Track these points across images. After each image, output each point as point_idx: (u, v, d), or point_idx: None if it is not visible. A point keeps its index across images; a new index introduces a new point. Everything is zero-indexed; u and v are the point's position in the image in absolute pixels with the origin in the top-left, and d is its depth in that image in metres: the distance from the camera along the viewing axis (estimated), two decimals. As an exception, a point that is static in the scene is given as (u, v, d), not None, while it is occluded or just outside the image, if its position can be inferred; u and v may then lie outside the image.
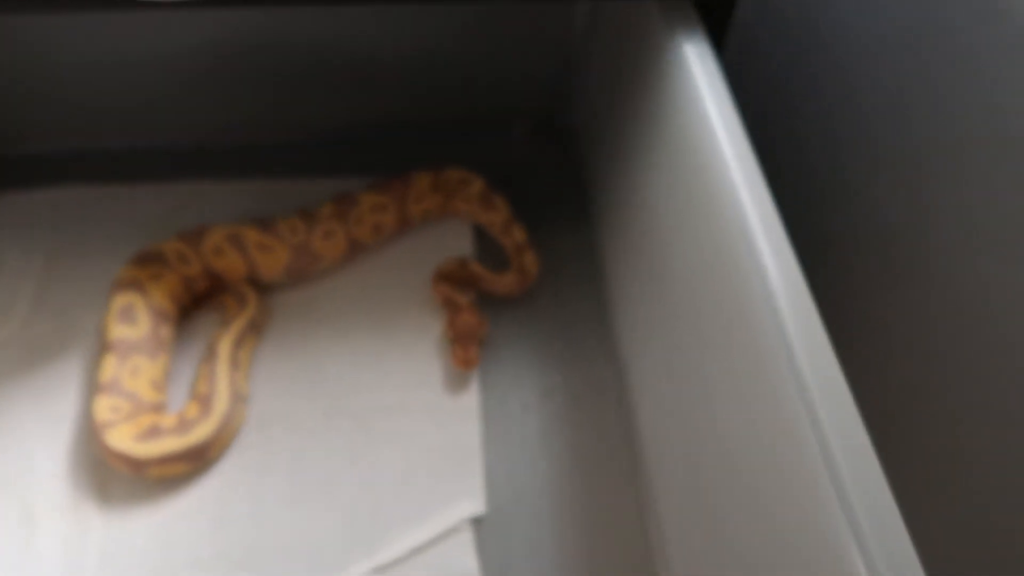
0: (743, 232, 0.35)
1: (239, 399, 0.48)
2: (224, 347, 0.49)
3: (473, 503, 0.47)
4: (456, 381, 0.51)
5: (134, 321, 0.48)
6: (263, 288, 0.55)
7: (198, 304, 0.55)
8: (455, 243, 0.59)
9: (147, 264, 0.51)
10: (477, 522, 0.46)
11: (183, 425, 0.45)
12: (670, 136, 0.44)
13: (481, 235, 0.60)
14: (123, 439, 0.44)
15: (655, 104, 0.46)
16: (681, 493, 0.43)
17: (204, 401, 0.47)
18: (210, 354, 0.49)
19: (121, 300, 0.49)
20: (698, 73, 0.42)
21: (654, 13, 0.46)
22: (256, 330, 0.52)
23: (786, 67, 0.65)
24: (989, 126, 0.44)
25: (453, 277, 0.55)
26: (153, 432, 0.45)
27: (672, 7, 0.45)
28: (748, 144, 0.39)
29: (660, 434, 0.46)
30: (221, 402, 0.46)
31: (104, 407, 0.45)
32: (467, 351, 0.50)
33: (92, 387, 0.48)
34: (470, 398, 0.51)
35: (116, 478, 0.47)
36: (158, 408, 0.48)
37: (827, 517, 0.28)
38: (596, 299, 0.56)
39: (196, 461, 0.46)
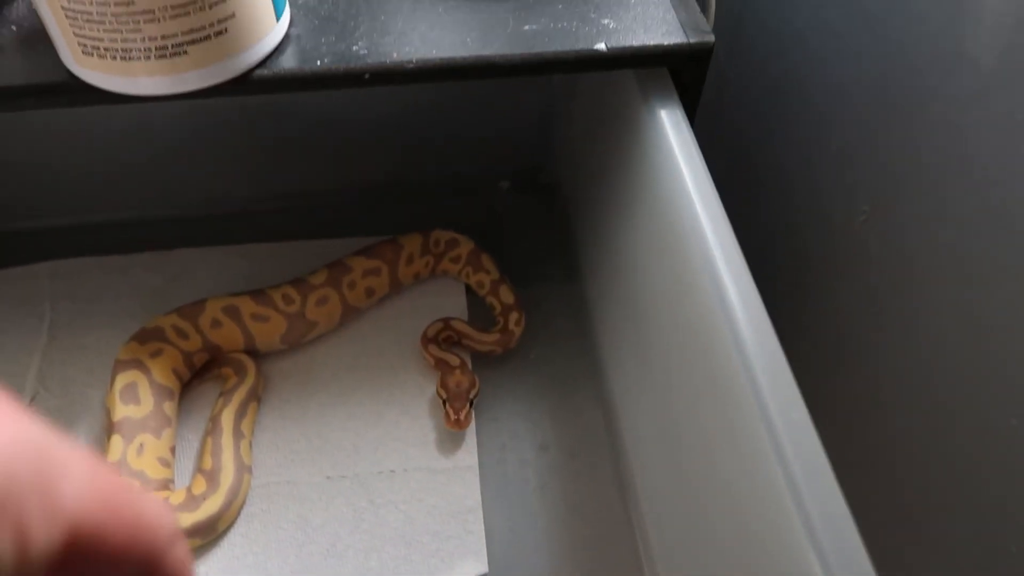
0: (716, 287, 0.37)
1: (244, 470, 0.49)
2: (227, 419, 0.50)
3: (476, 562, 0.48)
4: (454, 440, 0.53)
5: (137, 400, 0.50)
6: (259, 356, 0.56)
7: (197, 375, 0.56)
8: (448, 300, 0.60)
9: (147, 341, 0.53)
10: (480, 581, 0.47)
11: (191, 501, 0.46)
12: (648, 197, 0.46)
13: (473, 291, 0.61)
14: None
15: (634, 167, 0.48)
16: (677, 540, 0.44)
17: (211, 476, 0.48)
18: (213, 427, 0.50)
19: (123, 379, 0.50)
20: (673, 139, 0.43)
21: (631, 82, 0.48)
22: (256, 398, 0.53)
23: (753, 125, 0.67)
24: (958, 171, 0.45)
25: (439, 338, 0.56)
26: (161, 508, 0.46)
27: (649, 76, 0.46)
28: (719, 205, 0.41)
29: (653, 484, 0.48)
30: (228, 476, 0.47)
31: None
32: (458, 412, 0.51)
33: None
34: (469, 457, 0.52)
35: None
36: (165, 484, 0.49)
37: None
38: (587, 353, 0.58)
39: (205, 535, 0.47)
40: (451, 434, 0.53)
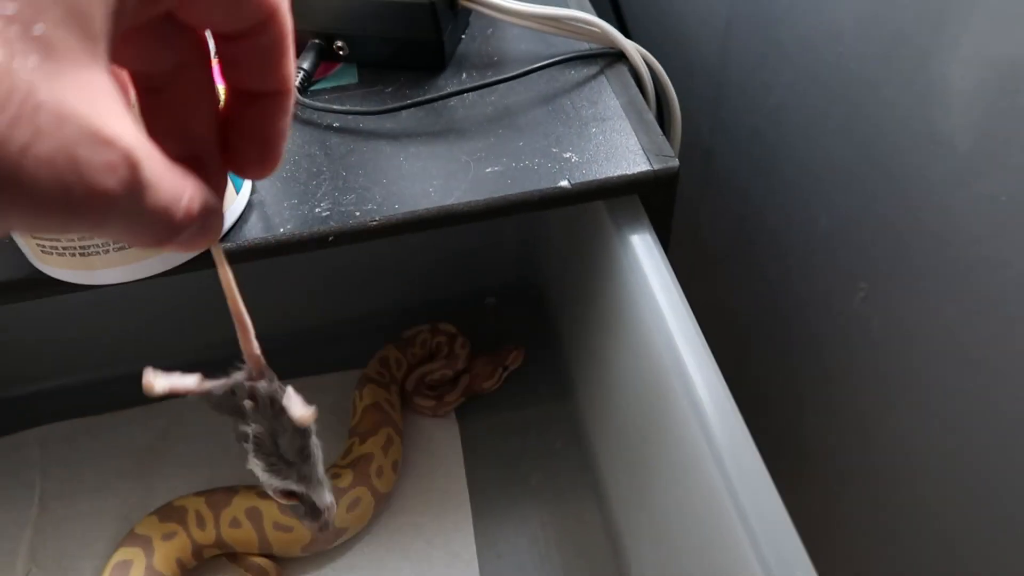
0: (696, 413, 0.36)
1: None
2: None
3: None
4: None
5: None
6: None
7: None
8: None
9: (167, 520, 0.51)
10: None
11: None
12: (627, 319, 0.45)
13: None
14: None
15: (612, 289, 0.47)
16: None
17: None
18: None
19: (122, 555, 0.49)
20: (645, 265, 0.43)
21: (602, 209, 0.47)
22: None
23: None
24: (949, 252, 0.44)
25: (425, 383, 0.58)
26: None
27: (618, 203, 0.46)
28: (695, 328, 0.40)
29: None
30: None
31: None
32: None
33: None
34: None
35: None
36: None
37: None
38: (587, 474, 0.56)
39: None
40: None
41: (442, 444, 0.58)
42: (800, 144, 0.59)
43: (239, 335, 0.33)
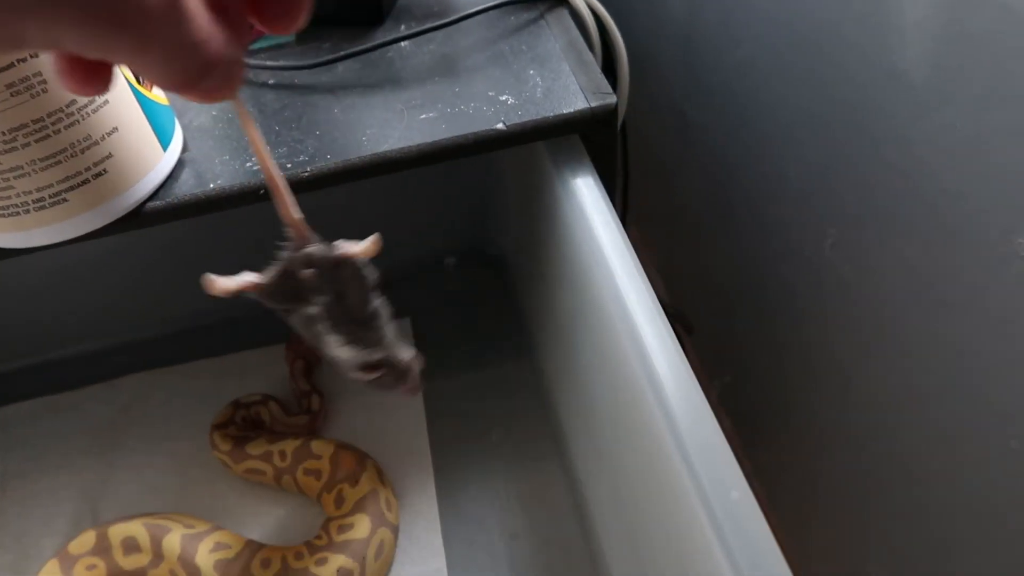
0: (640, 356, 0.35)
1: None
2: None
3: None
4: (419, 545, 0.50)
5: None
6: None
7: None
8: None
9: (98, 550, 0.49)
10: None
11: None
12: (573, 265, 0.44)
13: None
14: None
15: (559, 236, 0.46)
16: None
17: None
18: None
19: (45, 574, 0.48)
20: (586, 204, 0.42)
21: (543, 152, 0.46)
22: None
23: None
24: (911, 186, 0.44)
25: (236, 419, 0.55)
26: None
27: (558, 145, 0.45)
28: (638, 268, 0.39)
29: (623, 563, 0.45)
30: None
31: None
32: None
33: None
34: (436, 560, 0.49)
35: None
36: None
37: None
38: (549, 429, 0.55)
39: None
40: (417, 538, 0.50)
41: (405, 408, 0.57)
42: (768, 96, 0.58)
43: (275, 201, 0.32)
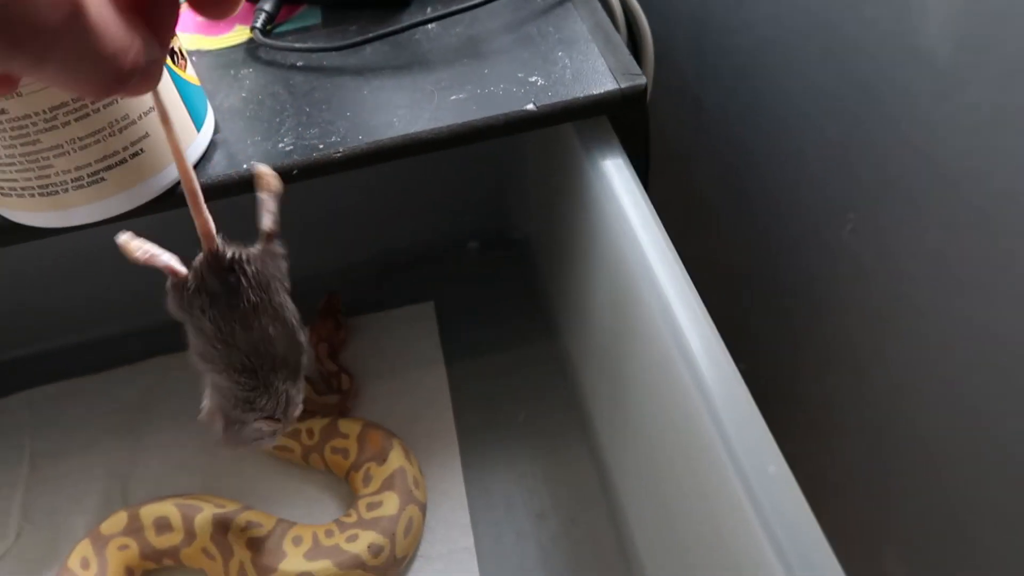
0: (675, 336, 0.35)
1: None
2: None
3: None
4: (447, 523, 0.51)
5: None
6: None
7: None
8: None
9: (130, 530, 0.49)
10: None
11: None
12: (603, 248, 0.45)
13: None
14: None
15: (587, 218, 0.47)
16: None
17: None
18: None
19: (77, 554, 0.49)
20: (617, 186, 0.42)
21: (572, 134, 0.46)
22: None
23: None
24: (933, 169, 0.44)
25: None
26: None
27: (587, 127, 0.45)
28: (671, 250, 0.39)
29: (652, 548, 0.45)
30: None
31: None
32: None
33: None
34: (464, 538, 0.50)
35: None
36: None
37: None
38: (575, 409, 0.56)
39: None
40: (444, 518, 0.51)
41: (430, 390, 0.57)
42: (784, 78, 0.58)
43: (189, 204, 0.32)
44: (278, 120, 0.44)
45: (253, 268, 0.34)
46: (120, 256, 0.61)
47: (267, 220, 0.34)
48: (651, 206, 0.41)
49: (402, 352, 0.60)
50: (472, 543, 0.50)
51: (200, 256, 0.34)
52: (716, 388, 0.33)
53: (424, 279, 0.64)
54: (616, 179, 0.42)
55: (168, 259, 0.33)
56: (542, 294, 0.63)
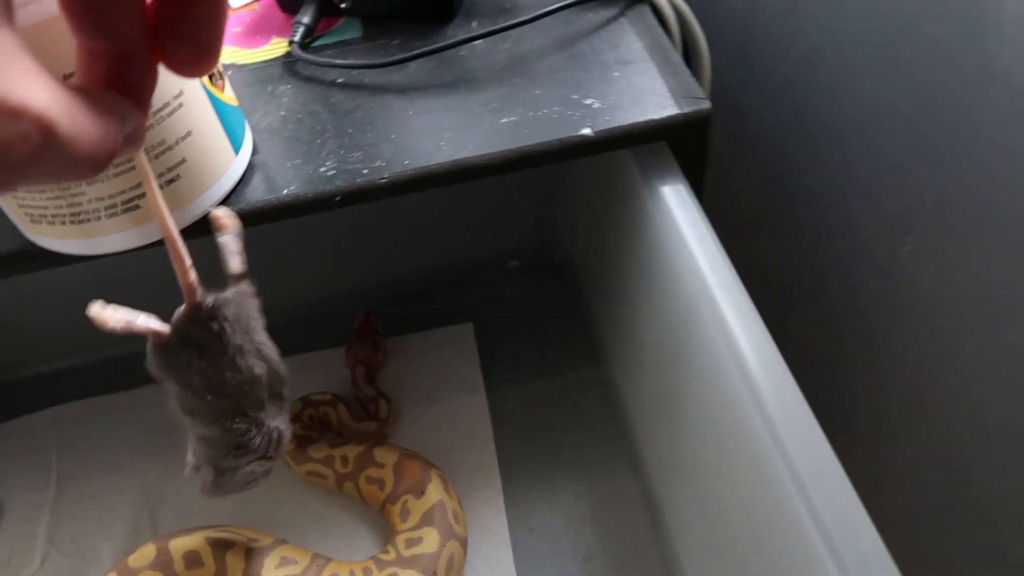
0: (741, 370, 0.33)
1: None
2: None
3: None
4: (489, 562, 0.49)
5: None
6: None
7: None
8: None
9: (159, 564, 0.47)
10: None
11: None
12: (661, 276, 0.42)
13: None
14: None
15: (643, 245, 0.44)
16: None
17: None
18: None
19: None
20: (678, 215, 0.40)
21: (628, 159, 0.44)
22: None
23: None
24: (1009, 193, 0.41)
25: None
26: None
27: (645, 151, 0.43)
28: (736, 282, 0.37)
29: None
30: None
31: None
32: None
33: None
34: (506, 578, 0.48)
35: None
36: None
37: None
38: (623, 444, 0.53)
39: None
40: (487, 555, 0.49)
41: (470, 418, 0.55)
42: (836, 91, 0.55)
43: (172, 259, 0.32)
44: (319, 142, 0.42)
45: (232, 312, 0.33)
46: (151, 272, 0.60)
47: (234, 263, 0.33)
48: (716, 239, 0.38)
49: (441, 376, 0.58)
50: (515, 584, 0.47)
51: (181, 310, 0.33)
52: (789, 436, 0.31)
53: (461, 298, 0.62)
54: (678, 209, 0.40)
55: (145, 321, 0.32)
56: (586, 318, 0.61)
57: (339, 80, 0.46)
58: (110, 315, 0.31)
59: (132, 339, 0.63)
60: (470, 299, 0.62)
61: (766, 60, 0.63)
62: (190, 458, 0.39)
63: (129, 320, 0.31)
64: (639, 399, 0.51)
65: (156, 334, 0.32)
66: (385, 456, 0.51)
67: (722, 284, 0.36)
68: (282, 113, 0.44)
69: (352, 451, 0.51)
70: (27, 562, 0.52)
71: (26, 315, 0.60)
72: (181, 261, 0.32)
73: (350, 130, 0.42)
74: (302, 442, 0.52)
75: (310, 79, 0.46)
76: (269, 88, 0.46)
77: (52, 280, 0.59)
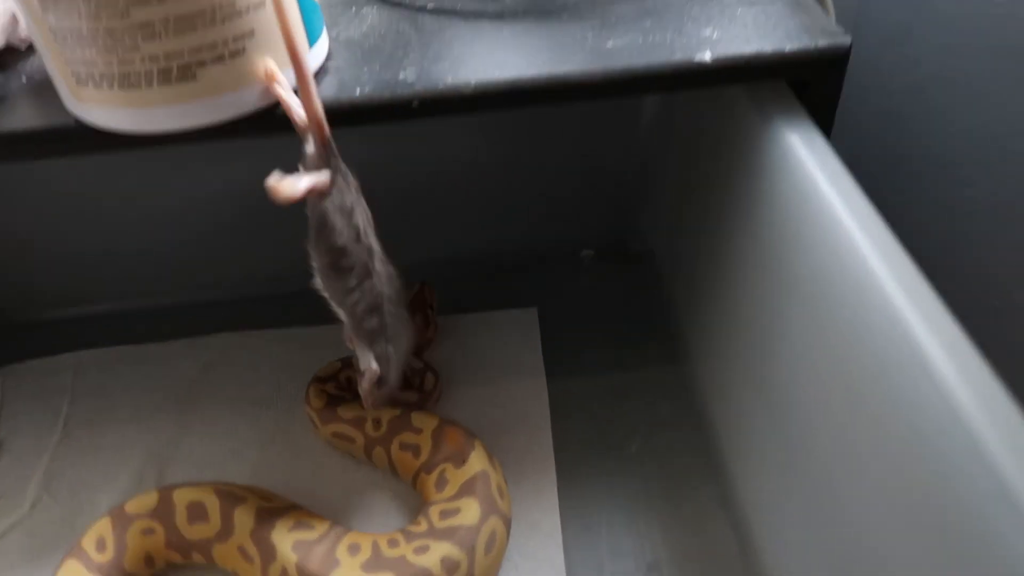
0: (912, 350, 0.26)
1: None
2: None
3: None
4: (535, 558, 0.42)
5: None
6: None
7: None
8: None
9: (159, 514, 0.42)
10: None
11: None
12: (786, 246, 0.36)
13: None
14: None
15: (761, 212, 0.38)
16: None
17: None
18: None
19: (94, 532, 0.42)
20: (811, 164, 0.34)
21: (743, 107, 0.39)
22: None
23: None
24: None
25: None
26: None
27: (767, 96, 0.37)
28: (892, 240, 0.31)
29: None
30: None
31: None
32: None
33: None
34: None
35: None
36: None
37: None
38: (703, 447, 0.47)
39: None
40: (533, 554, 0.42)
41: (526, 402, 0.49)
42: (948, 124, 0.50)
43: (299, 89, 0.32)
44: (401, 52, 0.37)
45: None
46: (193, 220, 0.56)
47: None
48: (859, 189, 0.33)
49: (498, 357, 0.52)
50: (565, 587, 0.40)
51: (310, 150, 0.34)
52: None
53: (530, 285, 0.57)
54: (813, 161, 0.34)
55: (310, 178, 0.34)
56: (666, 312, 0.54)
57: (429, 6, 0.42)
58: (285, 186, 0.33)
59: (163, 290, 0.59)
60: (538, 286, 0.57)
61: (864, 92, 0.58)
62: (371, 364, 0.40)
63: (299, 187, 0.33)
64: (730, 402, 0.45)
65: (323, 185, 0.34)
66: (423, 421, 0.45)
67: (881, 249, 0.30)
68: (363, 29, 0.40)
69: (387, 414, 0.45)
70: (15, 506, 0.47)
71: (56, 253, 0.57)
72: (309, 92, 0.32)
73: (436, 44, 0.38)
74: (333, 402, 0.47)
75: (398, 4, 0.42)
76: (352, 9, 0.43)
77: (107, 214, 0.56)
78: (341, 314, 0.39)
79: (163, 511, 0.42)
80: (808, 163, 0.34)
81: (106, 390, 0.53)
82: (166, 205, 0.55)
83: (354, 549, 0.39)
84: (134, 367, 0.54)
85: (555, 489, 0.44)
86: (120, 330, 0.57)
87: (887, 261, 0.29)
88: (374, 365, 0.40)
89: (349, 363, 0.50)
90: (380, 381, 0.42)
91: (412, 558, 0.38)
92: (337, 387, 0.48)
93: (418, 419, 0.45)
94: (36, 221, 0.55)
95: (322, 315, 0.56)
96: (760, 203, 0.39)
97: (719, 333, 0.46)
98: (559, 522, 0.43)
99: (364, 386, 0.41)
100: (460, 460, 0.43)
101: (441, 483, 0.42)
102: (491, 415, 0.49)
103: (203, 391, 0.52)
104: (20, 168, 0.52)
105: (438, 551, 0.38)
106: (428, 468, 0.43)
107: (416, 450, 0.44)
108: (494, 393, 0.50)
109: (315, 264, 0.38)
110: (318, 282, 0.38)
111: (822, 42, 0.35)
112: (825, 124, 0.37)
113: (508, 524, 0.42)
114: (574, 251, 0.59)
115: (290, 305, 0.57)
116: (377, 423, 0.45)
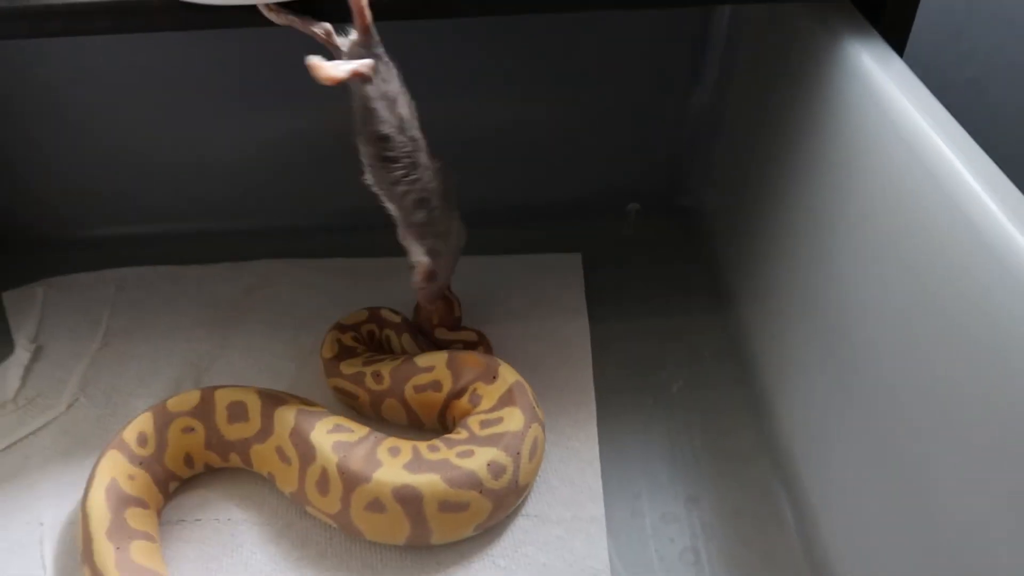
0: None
1: None
2: None
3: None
4: (574, 485, 0.41)
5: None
6: None
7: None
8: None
9: (200, 412, 0.41)
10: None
11: None
12: (860, 175, 0.35)
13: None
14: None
15: (829, 142, 0.38)
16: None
17: None
18: None
19: (136, 427, 0.41)
20: (891, 82, 0.33)
21: (807, 31, 0.38)
22: None
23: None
24: None
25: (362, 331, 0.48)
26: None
27: (831, 15, 0.37)
28: (971, 141, 0.30)
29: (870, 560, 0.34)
30: None
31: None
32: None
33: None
34: (593, 506, 0.40)
35: None
36: None
37: None
38: (745, 387, 0.46)
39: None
40: (570, 478, 0.41)
41: (567, 337, 0.48)
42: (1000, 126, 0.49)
43: None
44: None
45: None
46: (243, 147, 0.56)
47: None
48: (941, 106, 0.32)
49: (541, 296, 0.51)
50: (602, 513, 0.39)
51: (352, 38, 0.35)
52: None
53: (576, 234, 0.56)
54: (889, 80, 0.33)
55: (357, 62, 0.35)
56: (711, 267, 0.53)
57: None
58: (328, 66, 0.33)
59: (210, 215, 0.59)
60: (584, 235, 0.56)
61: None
62: (423, 259, 0.41)
63: (340, 68, 0.34)
64: (778, 344, 0.43)
65: (367, 70, 0.35)
66: (429, 359, 0.43)
67: (968, 157, 0.29)
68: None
69: (386, 366, 0.44)
70: (51, 404, 0.46)
71: (107, 172, 0.57)
72: None
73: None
74: (342, 355, 0.45)
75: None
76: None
77: (157, 132, 0.56)
78: (391, 208, 0.39)
79: (204, 410, 0.41)
80: (883, 80, 0.33)
81: (147, 305, 0.53)
82: (224, 132, 0.56)
83: (394, 451, 0.38)
84: (176, 285, 0.54)
85: (594, 420, 0.44)
86: (162, 251, 0.56)
87: (978, 172, 0.28)
88: (424, 258, 0.40)
89: (377, 316, 0.48)
90: (431, 276, 0.41)
91: (457, 461, 0.37)
92: (355, 338, 0.47)
93: (424, 359, 0.44)
94: (93, 140, 0.55)
95: (364, 250, 0.56)
96: (826, 126, 0.38)
97: (768, 274, 0.45)
98: (598, 450, 0.42)
99: (416, 279, 0.42)
100: (489, 377, 0.42)
101: (475, 399, 0.41)
102: (533, 349, 0.48)
103: (243, 311, 0.52)
104: (81, 85, 0.52)
105: (484, 455, 0.37)
106: (457, 394, 0.42)
107: (436, 385, 0.43)
108: (538, 328, 0.49)
109: (363, 157, 0.38)
110: (368, 177, 0.38)
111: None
112: (897, 48, 0.37)
113: (544, 432, 0.41)
114: (621, 204, 0.58)
115: (333, 236, 0.57)
116: (378, 376, 0.43)
